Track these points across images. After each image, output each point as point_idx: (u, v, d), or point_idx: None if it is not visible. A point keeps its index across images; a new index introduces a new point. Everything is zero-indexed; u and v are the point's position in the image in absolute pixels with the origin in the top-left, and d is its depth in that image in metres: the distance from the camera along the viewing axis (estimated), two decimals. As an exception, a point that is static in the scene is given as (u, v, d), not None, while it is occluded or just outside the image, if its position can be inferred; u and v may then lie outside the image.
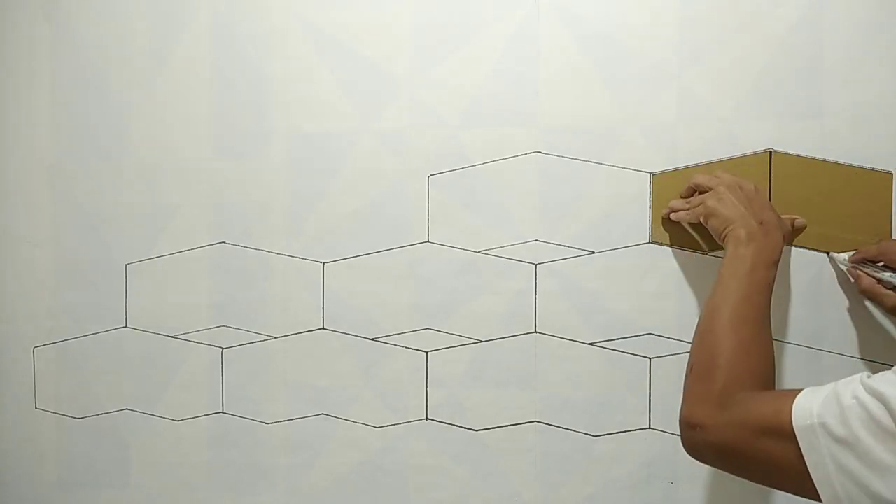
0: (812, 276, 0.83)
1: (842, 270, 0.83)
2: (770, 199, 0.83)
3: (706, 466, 0.85)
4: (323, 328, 0.91)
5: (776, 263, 0.73)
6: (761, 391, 0.65)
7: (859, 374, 0.59)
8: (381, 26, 0.89)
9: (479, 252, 0.88)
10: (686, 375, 0.71)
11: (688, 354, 0.72)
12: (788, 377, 0.83)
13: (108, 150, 0.94)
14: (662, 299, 0.86)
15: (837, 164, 0.83)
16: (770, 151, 0.83)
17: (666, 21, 0.85)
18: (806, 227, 0.83)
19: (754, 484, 0.85)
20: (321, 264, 0.91)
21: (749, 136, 0.84)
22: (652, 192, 0.85)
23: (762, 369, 0.67)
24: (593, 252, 0.87)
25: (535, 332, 0.87)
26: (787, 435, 0.58)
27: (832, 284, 0.83)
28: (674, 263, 0.85)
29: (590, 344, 0.87)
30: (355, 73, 0.89)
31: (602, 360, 0.87)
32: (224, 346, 0.92)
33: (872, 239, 0.82)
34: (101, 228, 0.94)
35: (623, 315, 0.86)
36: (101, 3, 0.93)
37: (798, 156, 0.83)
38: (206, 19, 0.92)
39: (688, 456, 0.85)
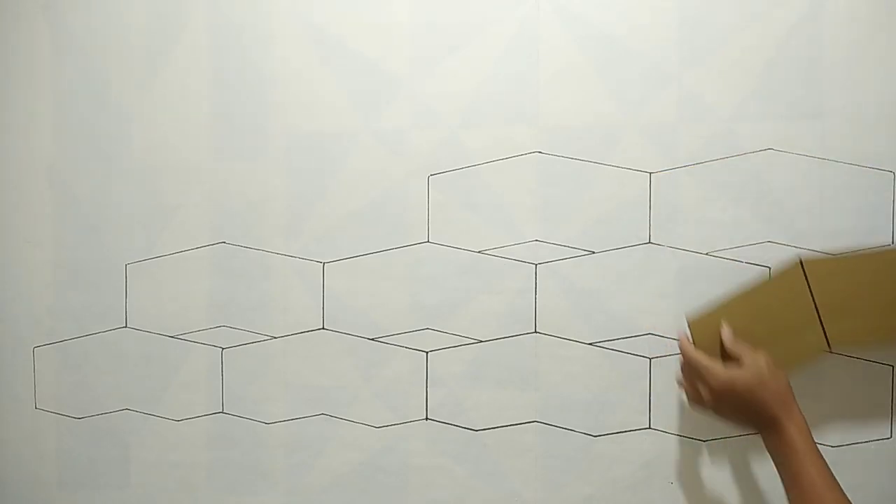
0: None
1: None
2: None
3: (706, 466, 0.85)
4: (323, 328, 0.91)
5: (778, 421, 0.73)
6: None
7: None
8: (381, 26, 0.89)
9: (479, 252, 0.88)
10: None
11: None
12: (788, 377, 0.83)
13: (108, 151, 0.94)
14: (662, 299, 0.86)
15: (837, 163, 0.83)
16: (770, 150, 0.84)
17: (666, 21, 0.85)
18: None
19: (754, 485, 0.85)
20: (321, 264, 0.90)
21: (749, 136, 0.84)
22: (652, 193, 0.85)
23: None
24: (593, 252, 0.87)
25: (535, 332, 0.87)
26: None
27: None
28: (674, 263, 0.85)
29: (590, 344, 0.87)
30: (355, 73, 0.89)
31: (602, 360, 0.87)
32: (224, 346, 0.92)
33: (872, 239, 0.82)
34: (101, 228, 0.94)
35: (623, 315, 0.86)
36: (101, 3, 0.93)
37: (798, 155, 0.83)
38: (205, 19, 0.92)
39: (688, 456, 0.86)
